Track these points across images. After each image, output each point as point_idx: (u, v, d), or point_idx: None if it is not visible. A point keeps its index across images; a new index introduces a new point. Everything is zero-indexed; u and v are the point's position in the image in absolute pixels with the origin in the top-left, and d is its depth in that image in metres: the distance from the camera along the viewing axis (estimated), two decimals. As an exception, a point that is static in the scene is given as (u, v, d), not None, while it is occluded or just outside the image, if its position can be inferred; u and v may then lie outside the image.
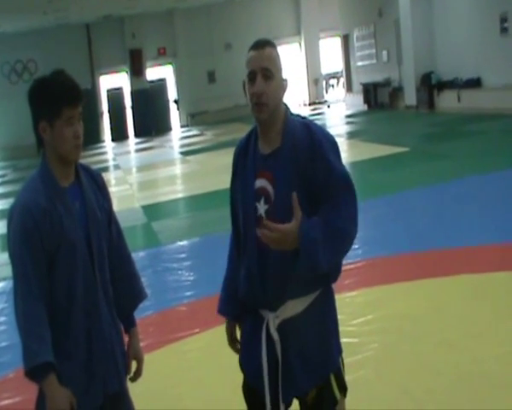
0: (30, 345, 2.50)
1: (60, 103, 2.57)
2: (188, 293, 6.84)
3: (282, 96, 2.73)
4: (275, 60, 2.68)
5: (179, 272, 7.71)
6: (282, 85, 2.71)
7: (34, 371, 2.51)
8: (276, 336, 2.68)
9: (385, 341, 4.98)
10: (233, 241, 2.94)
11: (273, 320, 2.69)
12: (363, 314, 5.45)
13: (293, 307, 2.68)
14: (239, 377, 2.88)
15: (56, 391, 2.53)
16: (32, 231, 2.55)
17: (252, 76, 2.65)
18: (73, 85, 2.62)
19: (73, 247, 2.62)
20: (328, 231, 2.55)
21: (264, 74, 2.64)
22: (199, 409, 4.46)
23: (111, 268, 2.80)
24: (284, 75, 2.73)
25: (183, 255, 8.43)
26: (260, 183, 2.70)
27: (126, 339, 2.90)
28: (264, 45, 2.68)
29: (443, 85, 20.17)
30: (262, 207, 2.68)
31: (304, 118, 2.77)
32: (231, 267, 2.94)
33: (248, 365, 2.82)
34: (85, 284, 2.65)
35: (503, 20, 17.61)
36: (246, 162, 2.77)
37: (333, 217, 2.58)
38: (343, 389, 2.78)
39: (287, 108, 2.76)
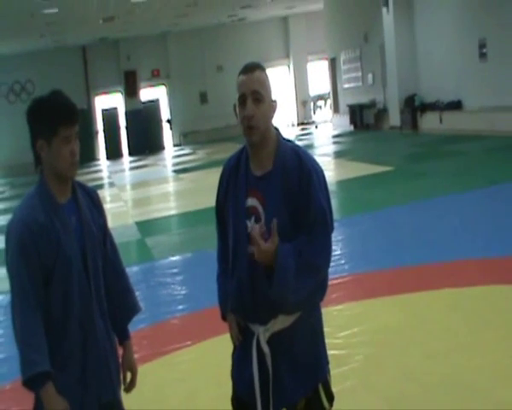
0: (28, 355, 2.50)
1: (57, 122, 2.58)
2: (180, 307, 6.83)
3: (272, 117, 2.74)
4: (264, 82, 2.68)
5: (172, 286, 7.70)
6: (271, 107, 2.72)
7: (32, 381, 2.51)
8: (266, 349, 2.69)
9: (370, 352, 4.98)
10: (220, 254, 2.95)
11: (263, 334, 2.69)
12: (349, 327, 5.46)
13: (283, 321, 2.69)
14: (229, 389, 2.88)
15: (54, 399, 2.53)
16: (30, 246, 2.55)
17: (242, 99, 2.66)
18: (70, 105, 2.63)
19: (69, 261, 2.62)
20: (301, 264, 2.58)
21: (255, 97, 2.64)
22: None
23: (106, 283, 2.80)
24: (273, 97, 2.74)
25: (175, 270, 8.41)
26: (251, 202, 2.71)
27: (120, 351, 2.89)
28: (254, 69, 2.68)
29: (425, 107, 20.28)
30: (251, 225, 2.69)
31: (294, 144, 2.79)
32: (222, 269, 2.93)
33: (240, 378, 2.81)
34: (81, 298, 2.65)
35: (482, 45, 17.76)
36: (237, 181, 2.77)
37: (307, 251, 2.60)
38: (331, 398, 2.78)
39: (278, 131, 2.77)
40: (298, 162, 2.67)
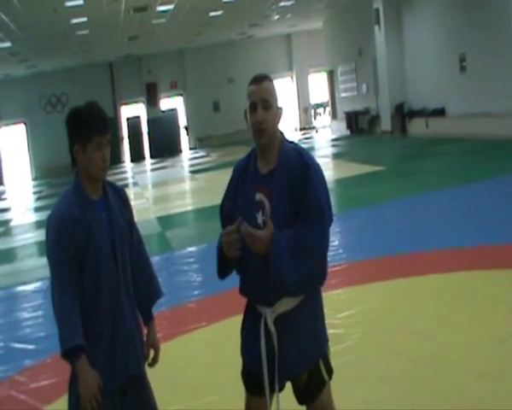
0: (65, 331, 2.53)
1: (91, 131, 2.60)
2: (196, 292, 6.84)
3: (279, 122, 2.75)
4: (272, 92, 2.70)
5: (189, 273, 7.71)
6: (278, 113, 2.73)
7: (69, 353, 2.53)
8: (273, 329, 2.69)
9: (365, 331, 4.98)
10: None
11: (270, 315, 2.69)
12: (347, 309, 5.45)
13: (288, 303, 2.69)
14: (239, 363, 2.89)
15: (87, 371, 2.55)
16: (66, 236, 2.57)
17: (253, 107, 2.66)
18: (103, 117, 2.65)
19: (100, 250, 2.63)
20: (297, 248, 2.57)
21: (264, 105, 2.65)
22: (204, 388, 4.47)
23: (132, 270, 2.81)
24: (279, 104, 2.75)
25: (192, 260, 8.43)
26: (259, 197, 2.71)
27: (145, 331, 2.90)
28: (263, 80, 2.69)
29: (413, 114, 20.22)
30: (260, 218, 2.69)
31: (296, 145, 2.79)
32: None
33: (249, 352, 2.82)
34: (110, 283, 2.67)
35: (462, 59, 17.72)
36: (246, 179, 2.78)
37: (304, 236, 2.59)
38: (330, 372, 2.79)
39: (282, 134, 2.77)
40: (299, 160, 2.67)
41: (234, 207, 2.81)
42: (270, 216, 2.64)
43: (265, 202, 2.69)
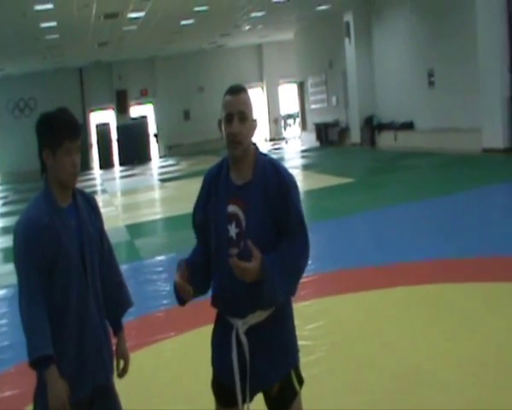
0: (33, 340, 2.49)
1: (62, 136, 2.58)
2: (164, 301, 6.76)
3: (253, 135, 2.74)
4: (248, 104, 2.68)
5: (157, 283, 7.63)
6: (253, 125, 2.72)
7: (37, 363, 2.49)
8: (244, 339, 2.67)
9: (334, 343, 4.98)
10: (196, 251, 2.86)
11: (242, 327, 2.68)
12: (316, 320, 5.44)
13: (260, 315, 2.68)
14: (207, 374, 2.86)
15: (56, 380, 2.51)
16: (35, 242, 2.53)
17: (229, 118, 2.64)
18: (74, 122, 2.64)
19: (69, 258, 2.60)
20: (285, 268, 2.59)
21: (240, 117, 2.63)
22: (172, 399, 4.42)
23: (102, 279, 2.77)
24: (254, 116, 2.73)
25: (160, 269, 8.35)
26: (232, 208, 2.68)
27: (115, 341, 2.86)
28: (239, 91, 2.67)
29: (382, 127, 20.43)
30: (233, 230, 2.67)
31: (270, 157, 2.78)
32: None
33: (220, 364, 2.80)
34: (78, 291, 2.63)
35: (430, 75, 18.00)
36: (218, 189, 2.74)
37: (289, 255, 2.61)
38: (301, 382, 2.78)
39: (256, 146, 2.76)
40: (275, 172, 2.67)
41: (205, 217, 2.78)
42: (245, 229, 2.63)
43: (240, 215, 2.67)
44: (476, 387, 3.97)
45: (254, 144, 2.76)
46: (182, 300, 2.78)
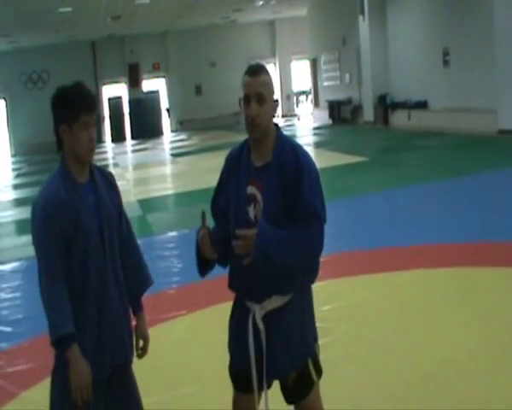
0: (55, 319, 2.44)
1: (78, 110, 2.52)
2: (176, 278, 6.69)
3: (274, 116, 2.65)
4: (268, 85, 2.59)
5: (169, 259, 7.56)
6: (273, 106, 2.62)
7: (59, 342, 2.44)
8: (261, 325, 2.62)
9: (349, 325, 4.90)
10: (215, 229, 2.77)
11: (259, 311, 2.62)
12: (331, 302, 5.34)
13: (277, 301, 2.61)
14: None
15: (79, 360, 2.46)
16: (53, 220, 2.48)
17: (247, 99, 2.56)
18: (90, 95, 2.59)
19: (88, 234, 2.54)
20: (288, 234, 2.50)
21: (258, 99, 2.55)
22: (184, 380, 4.36)
23: (122, 257, 2.71)
24: (275, 97, 2.63)
25: (172, 245, 8.29)
26: (251, 190, 2.62)
27: (135, 322, 2.80)
28: (259, 72, 2.58)
29: (396, 106, 20.21)
30: (252, 212, 2.61)
31: (291, 139, 2.69)
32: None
33: (236, 349, 2.74)
34: (97, 269, 2.57)
35: (446, 53, 17.74)
36: (239, 170, 2.68)
37: (297, 228, 2.52)
38: (319, 372, 2.72)
39: (277, 127, 2.67)
40: (294, 157, 2.58)
41: (225, 198, 2.72)
42: (262, 212, 2.57)
43: (258, 196, 2.60)
44: (496, 375, 3.86)
45: (276, 125, 2.68)
46: (204, 265, 2.72)
